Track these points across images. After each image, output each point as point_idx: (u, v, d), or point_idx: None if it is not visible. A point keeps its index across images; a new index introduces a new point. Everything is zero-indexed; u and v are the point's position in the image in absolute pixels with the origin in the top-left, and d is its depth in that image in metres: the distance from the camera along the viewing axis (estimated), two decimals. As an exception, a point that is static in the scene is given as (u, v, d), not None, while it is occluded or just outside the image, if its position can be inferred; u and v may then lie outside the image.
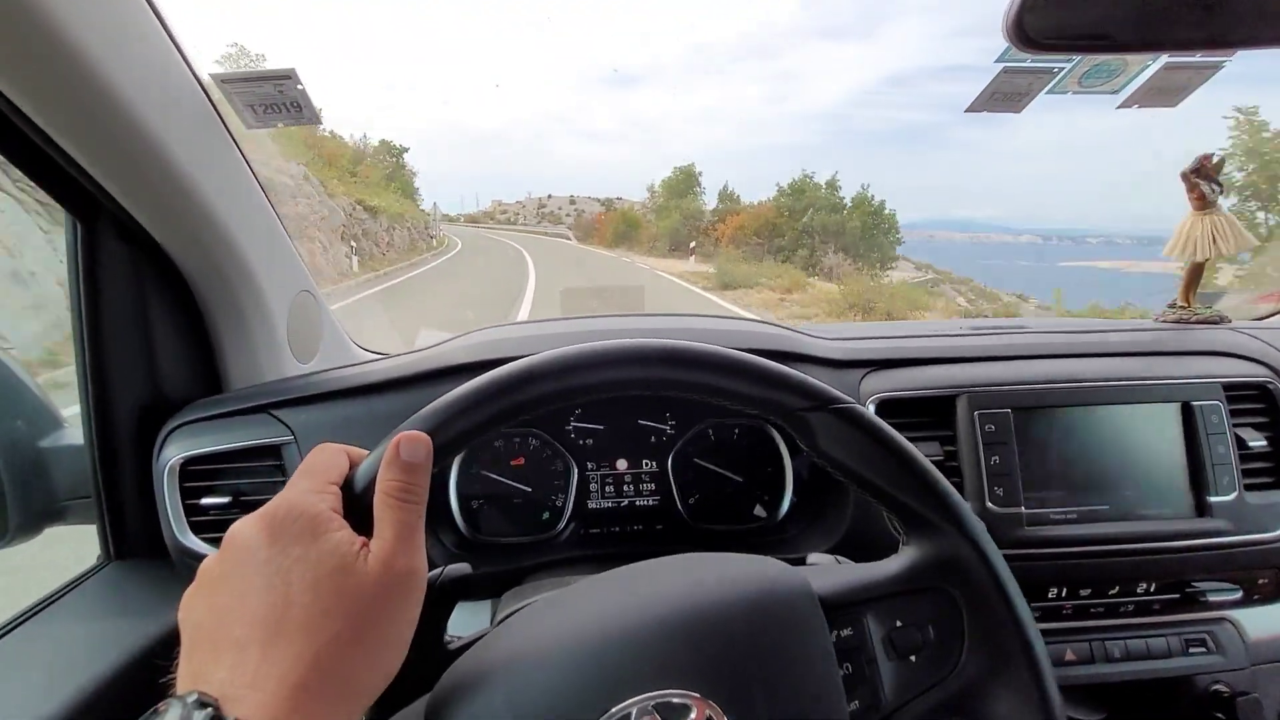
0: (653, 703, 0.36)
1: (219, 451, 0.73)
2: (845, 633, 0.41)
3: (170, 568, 0.75)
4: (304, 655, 0.30)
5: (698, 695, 0.36)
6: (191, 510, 0.73)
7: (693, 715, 0.36)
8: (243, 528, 0.34)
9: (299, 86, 0.73)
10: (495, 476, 0.83)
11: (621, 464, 0.84)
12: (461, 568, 0.55)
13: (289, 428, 0.75)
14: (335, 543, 0.33)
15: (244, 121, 0.77)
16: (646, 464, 0.85)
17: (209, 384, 0.86)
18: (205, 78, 0.70)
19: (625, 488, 0.85)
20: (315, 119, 0.77)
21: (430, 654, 0.46)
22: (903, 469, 0.42)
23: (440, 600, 0.51)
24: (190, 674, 0.31)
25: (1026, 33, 0.61)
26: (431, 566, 0.56)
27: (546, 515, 0.84)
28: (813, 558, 0.59)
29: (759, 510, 0.84)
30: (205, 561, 0.35)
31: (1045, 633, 0.76)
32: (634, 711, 0.35)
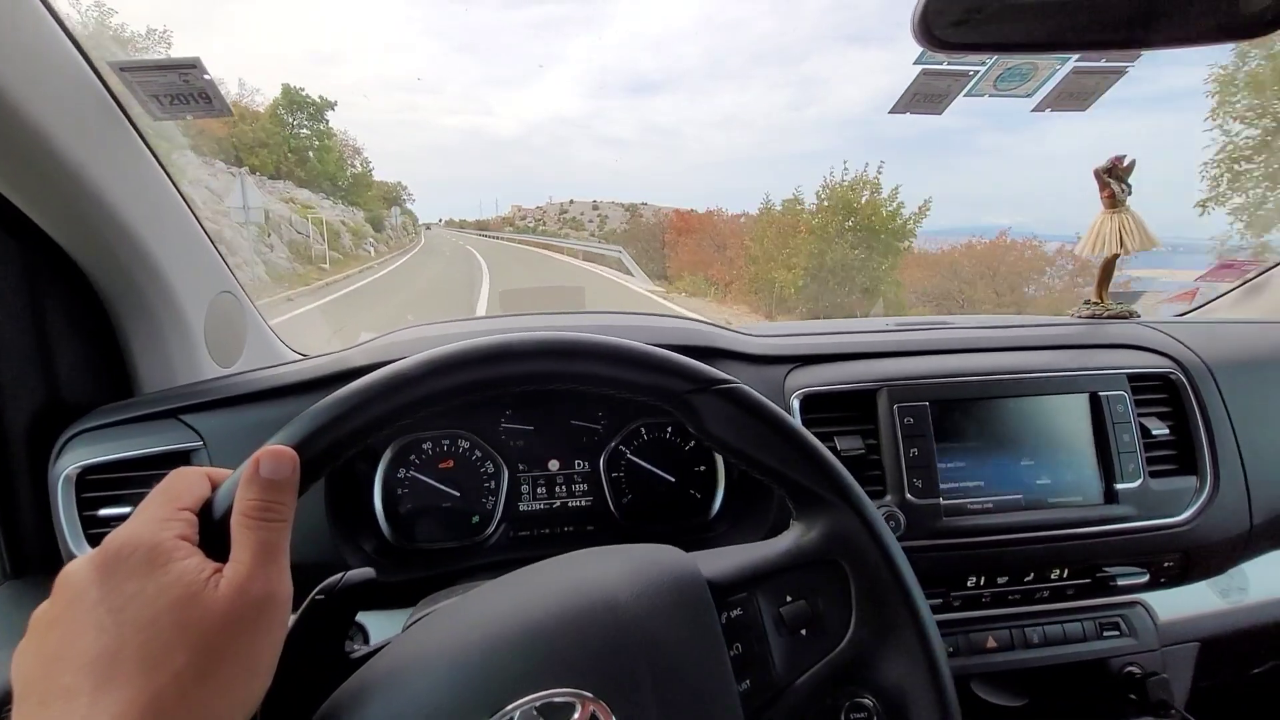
0: (536, 704, 0.35)
1: (121, 460, 0.69)
2: (735, 613, 0.42)
3: None
4: (139, 698, 0.29)
5: (582, 693, 0.35)
6: (91, 523, 0.69)
7: (577, 714, 0.35)
8: (74, 568, 0.32)
9: (205, 76, 0.70)
10: (423, 479, 0.81)
11: (553, 465, 0.83)
12: (364, 573, 0.53)
13: (199, 433, 0.71)
14: (179, 572, 0.31)
15: (150, 113, 0.73)
16: (579, 464, 0.84)
17: (118, 389, 0.82)
18: (103, 67, 0.67)
19: (557, 489, 0.84)
20: (226, 110, 0.74)
21: (331, 666, 0.44)
22: (789, 445, 0.42)
23: (340, 608, 0.49)
24: None
25: (933, 33, 0.62)
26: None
27: (476, 519, 0.82)
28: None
29: (701, 509, 0.83)
30: (36, 610, 0.33)
31: (967, 621, 0.79)
32: (517, 715, 0.35)
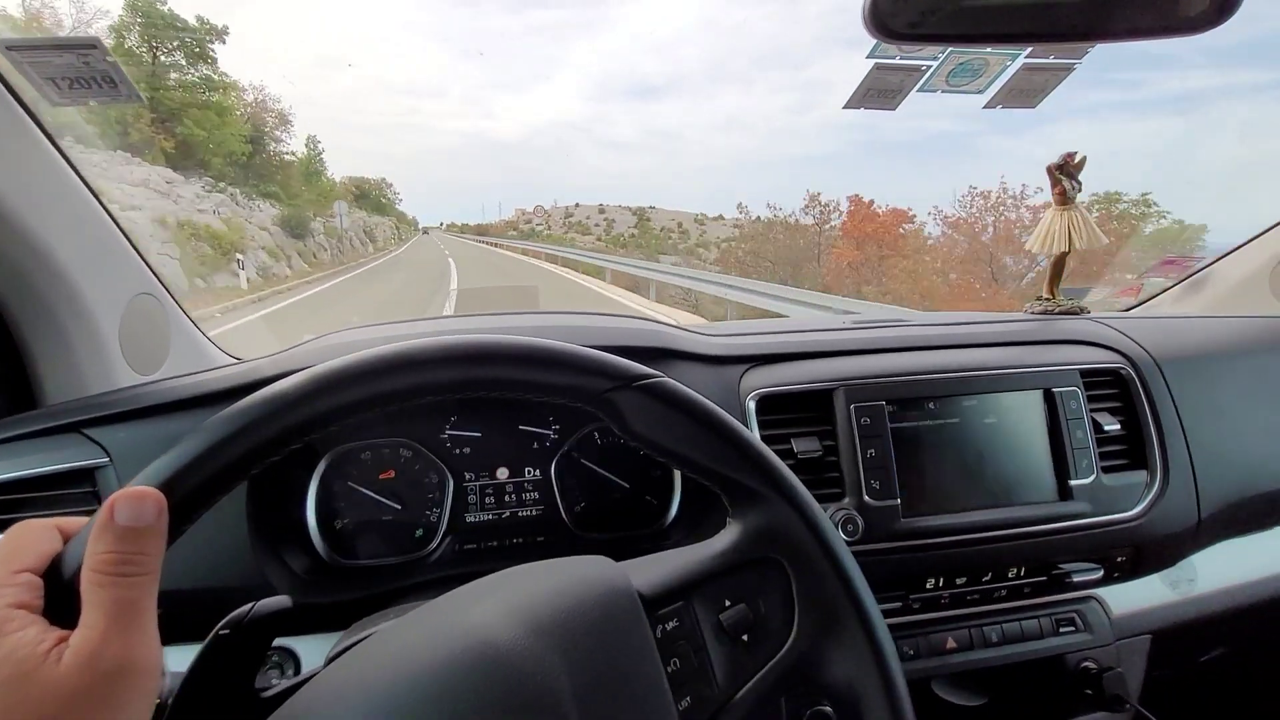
0: None
1: (12, 480, 0.62)
2: (671, 625, 0.39)
3: None
4: None
5: None
6: None
7: None
8: None
9: (108, 58, 0.65)
10: (362, 491, 0.76)
11: (502, 473, 0.79)
12: (278, 602, 0.48)
13: (104, 449, 0.65)
14: (11, 646, 0.27)
15: (47, 98, 0.67)
16: (529, 471, 0.80)
17: (18, 402, 0.75)
18: (-13, 45, 0.61)
19: (506, 498, 0.80)
20: (134, 95, 0.68)
21: (239, 706, 0.40)
22: (720, 440, 0.40)
23: (250, 643, 0.44)
24: None
25: (884, 22, 0.61)
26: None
27: (420, 533, 0.77)
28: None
29: (658, 515, 0.80)
30: None
31: (926, 623, 0.78)
32: None
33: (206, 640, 0.40)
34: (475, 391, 0.38)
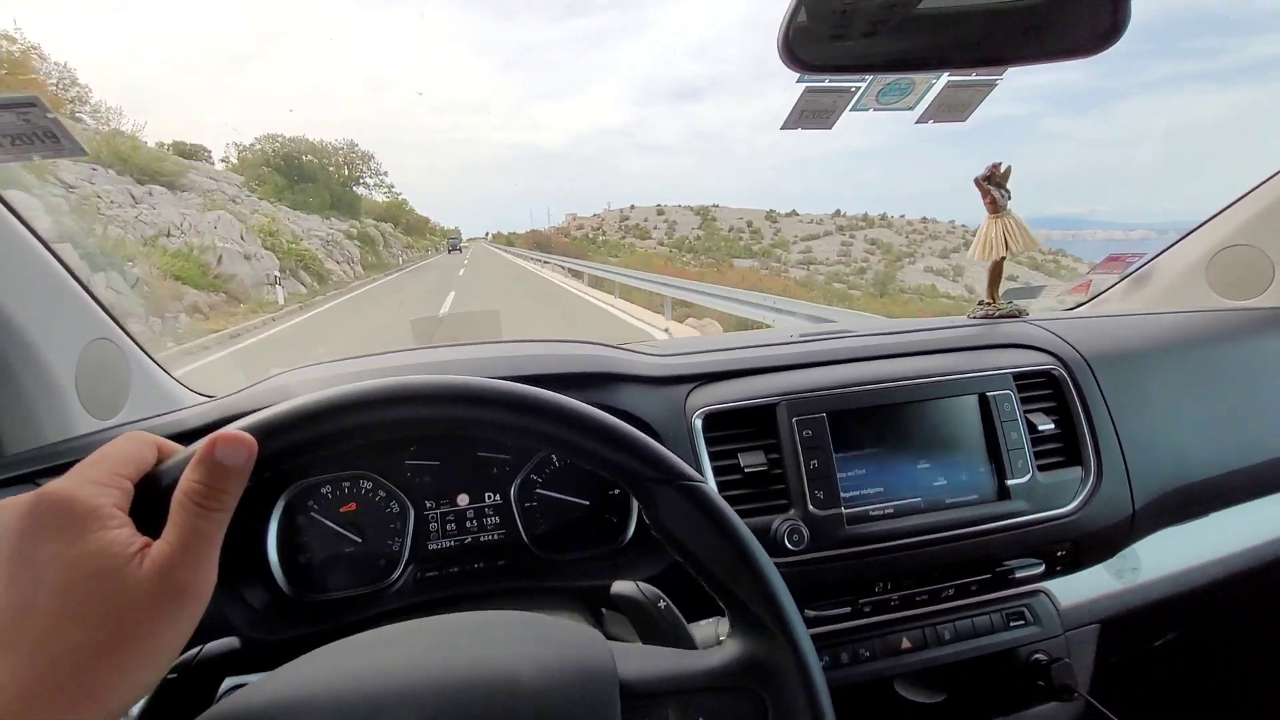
0: None
1: None
2: None
3: None
4: (40, 663, 0.28)
5: None
6: None
7: None
8: (2, 510, 0.30)
9: (49, 115, 0.66)
10: (323, 524, 0.77)
11: (462, 499, 0.81)
12: (225, 644, 0.50)
13: None
14: (105, 542, 0.30)
15: (-11, 156, 0.69)
16: (489, 496, 0.82)
17: None
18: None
19: (468, 524, 0.81)
20: (77, 149, 0.69)
21: None
22: (739, 560, 0.40)
23: (197, 685, 0.46)
24: None
25: (796, 55, 0.64)
26: (232, 634, 0.51)
27: (383, 562, 0.79)
28: (617, 587, 0.58)
29: (618, 533, 0.82)
30: None
31: (879, 625, 0.80)
32: None
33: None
34: (527, 440, 0.40)
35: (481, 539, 0.81)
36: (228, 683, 0.49)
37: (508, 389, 0.40)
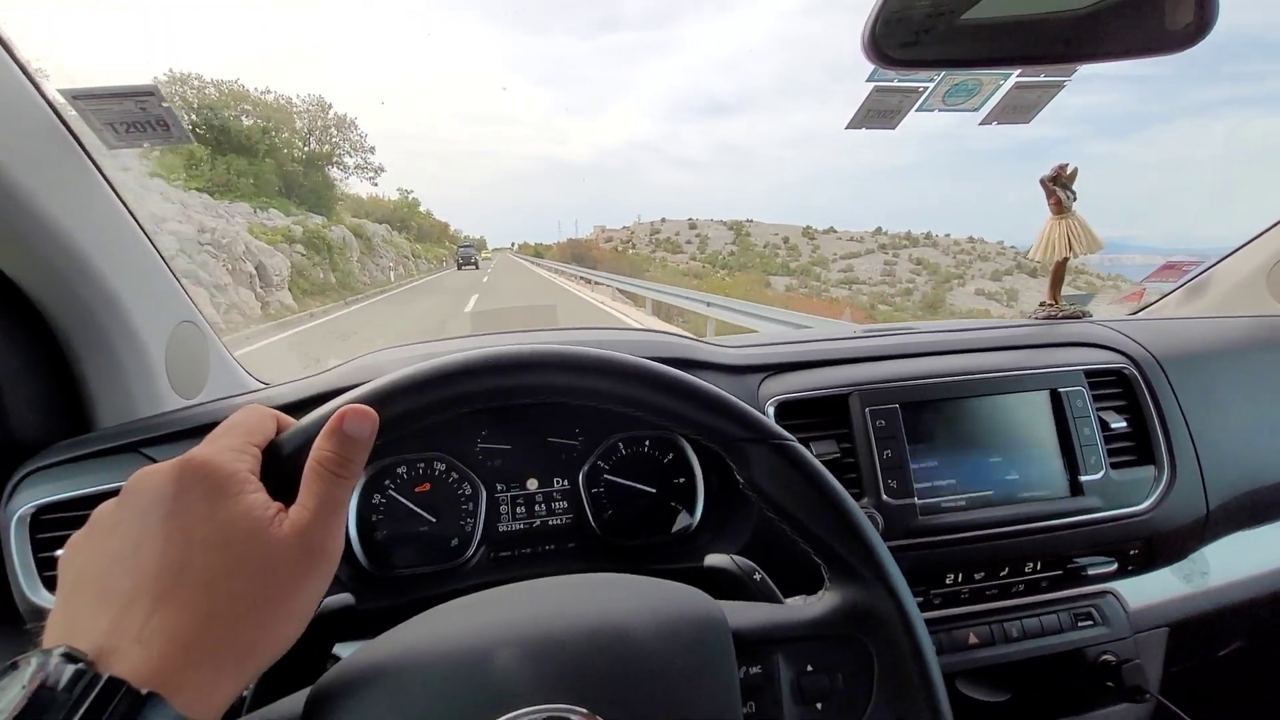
0: (539, 717, 0.35)
1: (77, 497, 0.66)
2: (754, 670, 0.41)
3: (28, 635, 0.67)
4: (198, 615, 0.29)
5: (587, 712, 0.35)
6: (47, 565, 0.66)
7: None
8: (150, 475, 0.33)
9: (163, 104, 0.70)
10: (399, 503, 0.79)
11: (532, 483, 0.83)
12: (342, 599, 0.52)
13: None
14: (248, 505, 0.32)
15: (104, 141, 0.72)
16: (558, 481, 0.83)
17: (75, 424, 0.79)
18: (54, 95, 0.66)
19: (537, 507, 0.83)
20: (185, 137, 0.73)
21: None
22: (833, 512, 0.41)
23: (317, 640, 0.48)
24: (63, 624, 0.29)
25: (883, 51, 0.65)
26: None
27: (455, 542, 0.80)
28: (711, 559, 0.59)
29: (682, 520, 0.83)
30: (101, 506, 0.33)
31: (947, 619, 0.80)
32: None
33: None
34: (625, 408, 0.41)
35: (550, 523, 0.83)
36: (338, 649, 0.51)
37: (611, 357, 0.41)
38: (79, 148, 0.69)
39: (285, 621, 0.32)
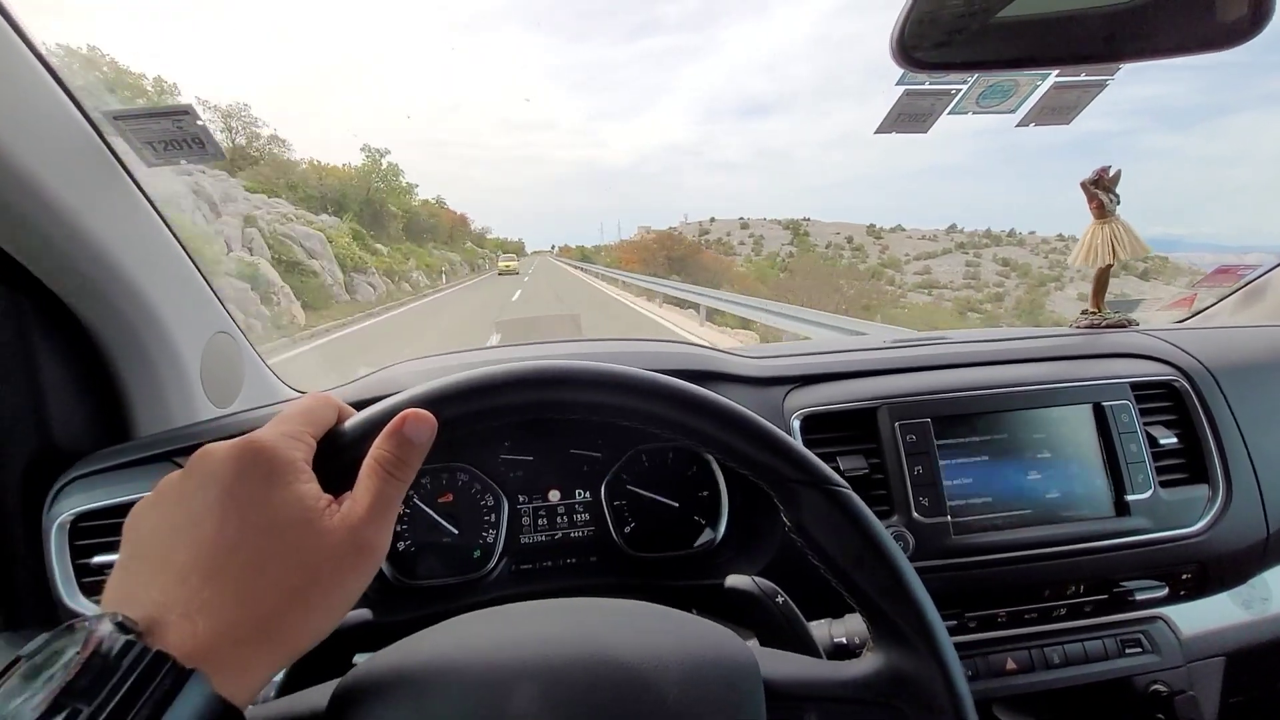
0: None
1: (116, 505, 0.68)
2: None
3: None
4: (244, 595, 0.30)
5: None
6: (84, 571, 0.68)
7: None
8: (212, 452, 0.33)
9: (199, 122, 0.72)
10: (423, 514, 0.80)
11: (554, 495, 0.82)
12: (359, 615, 0.52)
13: None
14: (301, 494, 0.33)
15: (143, 160, 0.75)
16: (580, 494, 0.83)
17: (114, 434, 0.81)
18: (96, 116, 0.68)
19: (559, 519, 0.82)
20: (219, 154, 0.75)
21: None
22: (883, 569, 0.39)
23: (335, 655, 0.48)
24: (120, 588, 0.30)
25: (912, 55, 0.63)
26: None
27: (477, 553, 0.80)
28: (732, 579, 0.57)
29: (705, 535, 0.82)
30: (168, 476, 0.34)
31: (984, 643, 0.77)
32: None
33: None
34: (678, 435, 0.40)
35: (572, 535, 0.82)
36: (359, 659, 0.51)
37: (670, 384, 0.40)
38: (120, 166, 0.72)
39: (323, 612, 0.33)
